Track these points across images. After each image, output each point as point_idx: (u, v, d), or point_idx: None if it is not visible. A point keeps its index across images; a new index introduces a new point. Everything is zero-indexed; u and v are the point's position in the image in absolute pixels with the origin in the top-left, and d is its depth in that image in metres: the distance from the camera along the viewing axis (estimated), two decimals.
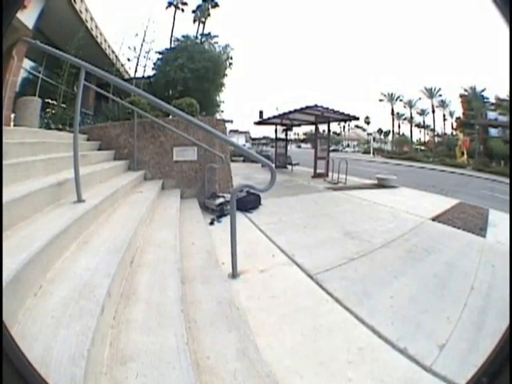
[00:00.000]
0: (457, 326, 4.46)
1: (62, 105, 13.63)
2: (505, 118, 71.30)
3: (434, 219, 10.85)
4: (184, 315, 3.22)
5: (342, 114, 20.88)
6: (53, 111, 13.27)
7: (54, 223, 3.56)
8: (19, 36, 10.50)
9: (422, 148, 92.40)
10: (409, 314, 4.63)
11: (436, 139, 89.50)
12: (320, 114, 20.06)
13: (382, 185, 18.49)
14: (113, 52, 22.50)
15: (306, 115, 21.05)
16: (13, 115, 9.54)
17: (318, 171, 20.48)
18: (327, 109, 19.35)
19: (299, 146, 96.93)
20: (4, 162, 4.33)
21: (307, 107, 18.73)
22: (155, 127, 9.84)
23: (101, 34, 20.50)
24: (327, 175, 20.30)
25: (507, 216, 13.87)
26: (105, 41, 21.14)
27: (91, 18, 18.61)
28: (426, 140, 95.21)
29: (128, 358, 2.48)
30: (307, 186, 16.35)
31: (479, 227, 10.59)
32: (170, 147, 10.03)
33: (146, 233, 5.31)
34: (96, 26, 19.47)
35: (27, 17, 10.86)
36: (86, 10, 17.97)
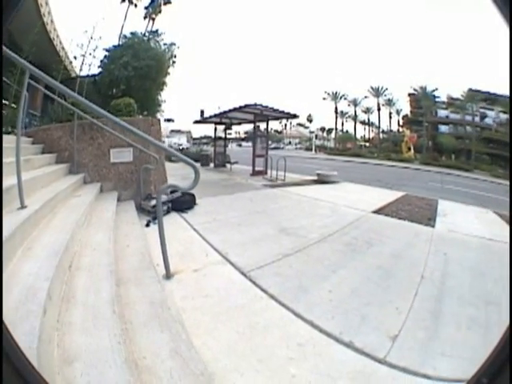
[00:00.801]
0: (409, 316, 4.56)
1: (13, 105, 13.14)
2: (457, 116, 74.66)
3: (376, 212, 11.14)
4: (119, 316, 3.36)
5: (282, 112, 21.17)
6: (4, 112, 12.81)
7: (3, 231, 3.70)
8: None
9: (367, 144, 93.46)
10: (351, 308, 4.70)
11: (381, 136, 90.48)
12: (259, 113, 20.33)
13: (322, 181, 18.76)
14: (63, 49, 22.05)
15: (246, 114, 21.13)
16: None
17: (257, 169, 20.74)
18: (266, 107, 19.57)
19: (240, 145, 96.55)
20: None
21: (246, 106, 18.91)
22: (94, 128, 9.70)
23: (54, 29, 20.09)
24: (266, 173, 20.62)
25: (458, 205, 14.63)
26: (57, 36, 20.72)
27: (49, 12, 18.25)
28: (371, 137, 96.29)
29: (73, 358, 2.61)
30: (244, 184, 16.49)
31: (427, 217, 10.95)
32: (108, 149, 9.92)
33: (84, 236, 5.34)
34: (51, 21, 19.09)
35: None
36: (46, 3, 17.65)
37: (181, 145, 53.86)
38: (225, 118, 24.88)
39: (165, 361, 2.98)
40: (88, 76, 21.05)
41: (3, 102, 12.88)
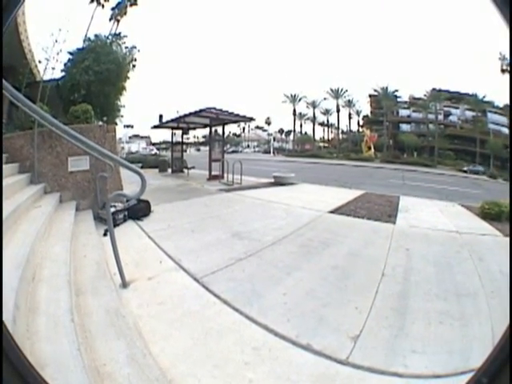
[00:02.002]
0: (370, 315, 4.66)
1: None
2: (420, 115, 76.88)
3: (333, 212, 11.30)
4: (78, 325, 3.50)
5: (238, 115, 21.30)
6: None
7: None
8: None
9: (326, 145, 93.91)
10: (307, 309, 4.80)
11: (341, 136, 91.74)
12: (215, 117, 20.44)
13: (279, 183, 19.13)
14: (30, 51, 21.72)
15: (202, 118, 21.29)
16: None
17: (214, 173, 20.93)
18: (222, 111, 19.74)
19: (198, 149, 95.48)
20: None
21: (201, 110, 18.98)
22: (53, 137, 9.53)
23: (25, 30, 19.77)
24: (223, 177, 20.76)
25: (420, 200, 14.90)
26: (27, 38, 20.40)
27: (23, 13, 18.03)
28: (330, 137, 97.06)
29: (43, 364, 2.70)
30: (200, 190, 16.60)
31: (388, 214, 11.24)
32: (66, 157, 9.82)
33: (44, 248, 5.37)
34: (24, 21, 18.87)
35: None
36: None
37: (152, 150, 53.48)
38: (182, 123, 24.92)
39: (123, 367, 3.11)
40: (52, 80, 20.68)
41: None
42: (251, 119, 23.78)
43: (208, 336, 4.08)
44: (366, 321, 4.51)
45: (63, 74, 22.53)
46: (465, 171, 57.06)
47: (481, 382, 1.33)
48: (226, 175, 20.86)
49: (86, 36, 25.82)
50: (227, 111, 20.29)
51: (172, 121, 24.66)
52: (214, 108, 19.24)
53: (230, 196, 14.81)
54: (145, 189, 4.76)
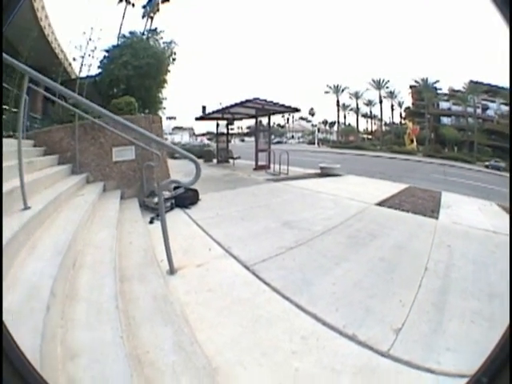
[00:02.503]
0: (412, 309, 4.51)
1: (14, 109, 12.89)
2: (459, 108, 73.94)
3: (379, 204, 11.05)
4: (121, 311, 3.38)
5: (283, 106, 21.06)
6: (4, 117, 12.65)
7: (4, 233, 3.71)
8: None
9: (369, 137, 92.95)
10: (354, 300, 4.68)
11: (384, 128, 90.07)
12: (260, 107, 20.24)
13: (325, 174, 18.72)
14: (62, 51, 21.93)
15: (247, 109, 21.08)
16: None
17: (260, 163, 20.71)
18: (268, 101, 19.50)
19: (243, 140, 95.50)
20: None
21: (247, 101, 18.78)
22: (96, 128, 9.76)
23: (52, 32, 19.97)
24: (269, 167, 20.49)
25: (462, 198, 14.47)
26: (55, 39, 20.61)
27: (46, 16, 18.21)
28: (373, 129, 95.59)
29: (76, 353, 2.61)
30: (247, 179, 16.39)
31: (431, 209, 10.85)
32: (110, 148, 9.99)
33: (87, 235, 5.35)
34: (49, 24, 19.04)
35: None
36: (43, 7, 17.57)
37: (203, 141, 53.69)
38: (227, 114, 24.67)
39: (168, 355, 2.98)
40: (88, 77, 20.85)
41: (3, 106, 12.78)
42: (296, 110, 23.16)
43: (257, 324, 3.99)
44: (408, 314, 4.40)
45: (99, 70, 22.85)
46: (487, 166, 55.29)
47: (481, 381, 1.32)
48: (272, 165, 20.44)
49: (119, 33, 26.00)
50: (273, 102, 19.76)
51: (217, 112, 24.24)
52: (260, 98, 18.91)
53: (278, 186, 14.65)
54: (199, 177, 4.72)
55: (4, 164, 5.43)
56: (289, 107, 21.90)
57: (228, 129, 27.96)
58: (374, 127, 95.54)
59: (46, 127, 11.00)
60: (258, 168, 20.51)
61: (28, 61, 12.89)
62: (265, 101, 19.38)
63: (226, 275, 5.35)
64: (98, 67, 22.85)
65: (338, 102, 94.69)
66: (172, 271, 5.24)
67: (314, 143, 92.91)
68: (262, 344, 3.58)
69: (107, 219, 6.48)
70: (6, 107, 13.08)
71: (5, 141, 8.26)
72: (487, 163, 57.65)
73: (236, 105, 20.07)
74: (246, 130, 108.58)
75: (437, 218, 9.84)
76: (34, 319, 2.56)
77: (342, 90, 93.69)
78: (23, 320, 2.53)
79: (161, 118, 11.47)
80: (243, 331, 3.81)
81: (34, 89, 7.64)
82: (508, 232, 8.83)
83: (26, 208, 4.61)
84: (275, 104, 20.24)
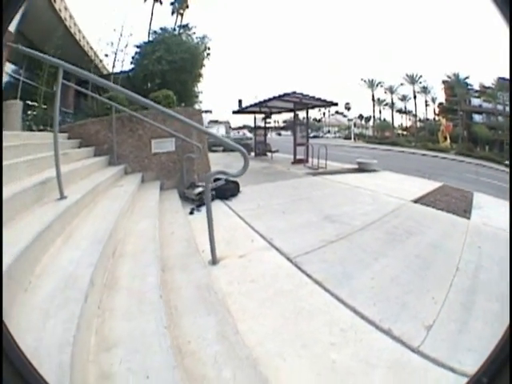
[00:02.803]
0: (443, 307, 4.48)
1: (43, 106, 13.46)
2: (489, 105, 72.07)
3: (415, 201, 10.92)
4: (164, 301, 3.28)
5: (320, 100, 20.91)
6: (34, 112, 13.03)
7: (39, 221, 3.62)
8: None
9: (404, 133, 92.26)
10: (391, 295, 4.67)
11: (418, 124, 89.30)
12: (298, 101, 20.03)
13: (362, 169, 18.52)
14: (91, 48, 22.20)
15: (285, 102, 20.93)
16: None
17: (298, 157, 20.57)
18: (305, 95, 19.31)
19: (279, 134, 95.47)
20: None
21: (285, 94, 18.69)
22: (133, 121, 9.88)
23: (79, 31, 20.23)
24: (307, 161, 20.28)
25: (492, 199, 14.15)
26: (83, 38, 20.91)
27: (70, 16, 18.44)
28: (408, 125, 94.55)
29: (112, 344, 2.53)
30: (286, 172, 16.35)
31: (463, 209, 10.68)
32: (148, 140, 10.08)
33: (127, 225, 5.35)
34: (74, 24, 19.28)
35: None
36: (65, 8, 17.79)
37: (245, 134, 53.95)
38: (264, 107, 24.66)
39: (210, 345, 2.96)
40: (121, 72, 21.13)
41: (31, 103, 13.28)
42: (334, 104, 22.91)
43: (299, 316, 3.99)
44: (439, 312, 4.39)
45: (132, 66, 23.25)
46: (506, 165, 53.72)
47: (481, 381, 1.31)
48: (310, 159, 20.23)
49: (149, 30, 26.27)
50: (310, 96, 19.64)
51: (254, 105, 24.21)
52: (297, 92, 18.83)
53: (317, 180, 14.47)
54: (247, 168, 4.77)
55: (38, 155, 5.80)
56: (326, 101, 21.70)
57: (265, 122, 27.94)
58: (409, 123, 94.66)
59: (79, 121, 11.19)
60: (296, 162, 20.43)
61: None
62: (302, 94, 19.24)
63: (268, 266, 5.34)
64: (131, 63, 23.28)
65: (373, 96, 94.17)
66: (214, 261, 5.22)
67: (350, 138, 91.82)
68: (302, 336, 3.58)
69: (148, 209, 6.48)
70: (36, 104, 13.47)
71: (37, 134, 8.70)
72: (507, 161, 56.35)
73: (274, 98, 20.04)
74: (282, 124, 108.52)
75: (469, 218, 9.75)
76: (69, 308, 2.49)
77: (377, 85, 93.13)
78: (56, 309, 2.48)
79: (200, 111, 11.48)
80: (285, 323, 3.82)
81: (65, 85, 7.63)
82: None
83: (62, 198, 4.61)
84: (312, 98, 20.12)
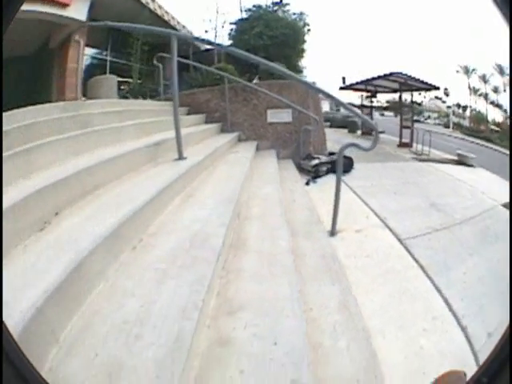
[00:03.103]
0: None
1: (138, 81, 14.37)
2: None
3: (504, 206, 10.19)
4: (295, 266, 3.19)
5: (423, 82, 20.35)
6: (130, 87, 14.01)
7: (157, 179, 3.73)
8: (69, 32, 11.32)
9: (497, 129, 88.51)
10: (477, 293, 4.63)
11: (509, 121, 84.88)
12: (403, 82, 19.68)
13: (461, 161, 17.84)
14: (184, 27, 22.72)
15: (390, 82, 20.63)
16: (83, 98, 9.81)
17: (403, 141, 20.07)
18: (409, 76, 18.98)
19: (382, 114, 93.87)
20: (88, 129, 4.69)
21: (390, 74, 18.53)
22: (247, 91, 10.00)
23: (167, 12, 20.64)
24: (411, 146, 19.75)
25: None
26: (173, 18, 21.27)
27: (153, 0, 18.82)
28: (500, 121, 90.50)
29: (237, 307, 2.41)
30: (393, 155, 16.18)
31: None
32: (264, 110, 10.07)
33: (250, 189, 5.29)
34: (159, 6, 19.63)
35: (75, 12, 11.26)
36: None
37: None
38: (369, 86, 24.43)
39: (331, 314, 2.93)
40: (213, 49, 21.48)
41: (121, 79, 13.83)
42: (436, 88, 22.70)
43: (403, 297, 4.06)
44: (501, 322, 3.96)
45: (230, 42, 23.52)
46: None
47: (481, 381, 1.25)
48: (414, 144, 19.73)
49: (241, 8, 26.44)
50: (415, 77, 19.37)
51: (360, 83, 23.90)
52: (402, 73, 18.69)
53: (422, 166, 14.21)
54: (377, 143, 4.79)
55: (143, 120, 6.37)
56: (430, 84, 21.23)
57: (371, 101, 27.57)
58: (501, 118, 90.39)
59: (183, 91, 11.33)
60: (401, 145, 19.91)
61: (148, 39, 14.17)
62: (406, 75, 19.02)
63: (381, 244, 5.39)
64: (229, 39, 23.84)
65: (468, 84, 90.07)
66: (333, 233, 5.21)
67: (448, 126, 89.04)
68: (402, 317, 3.64)
69: (268, 176, 6.49)
70: (130, 80, 14.46)
71: (137, 101, 9.46)
72: None
73: (379, 77, 20.01)
74: (385, 104, 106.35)
75: None
76: (197, 269, 2.49)
77: (472, 71, 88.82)
78: (179, 270, 2.49)
79: (315, 84, 11.40)
80: (391, 301, 3.90)
81: (168, 58, 7.83)
82: None
83: (181, 158, 4.74)
84: (417, 80, 19.81)
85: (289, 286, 2.69)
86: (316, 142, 10.56)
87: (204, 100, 10.16)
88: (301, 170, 9.13)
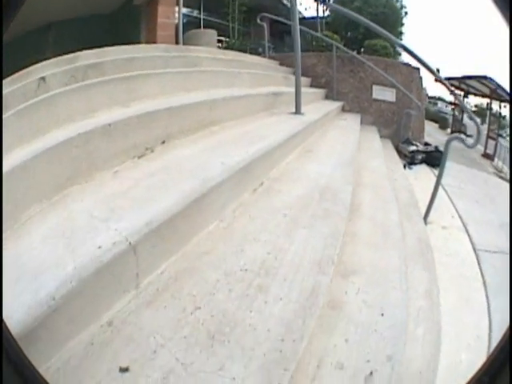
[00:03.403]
0: None
1: (233, 40, 14.46)
2: None
3: None
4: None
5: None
6: (229, 44, 14.15)
7: (280, 126, 3.77)
8: None
9: None
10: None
11: None
12: (494, 89, 18.72)
13: None
14: None
15: (482, 85, 19.61)
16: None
17: (487, 151, 18.83)
18: (500, 86, 17.71)
19: (470, 118, 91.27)
20: (197, 68, 4.77)
21: (484, 77, 17.62)
22: (354, 63, 9.71)
23: None
24: (493, 159, 18.39)
25: None
26: None
27: None
28: None
29: (351, 271, 2.33)
30: (478, 163, 15.38)
31: None
32: (370, 84, 9.90)
33: (359, 159, 5.08)
34: None
35: None
36: None
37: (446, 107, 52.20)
38: (463, 84, 22.62)
39: (418, 299, 2.82)
40: (318, 17, 21.15)
41: (219, 38, 13.90)
42: None
43: (463, 307, 3.88)
44: None
45: (327, 13, 22.69)
46: None
47: (482, 381, 1.23)
48: (495, 159, 18.36)
49: None
50: (503, 88, 17.66)
51: (453, 78, 20.88)
52: (493, 79, 17.33)
53: (501, 184, 12.69)
54: (480, 139, 4.81)
55: (256, 71, 6.33)
56: None
57: (464, 101, 25.50)
58: None
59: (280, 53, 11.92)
60: (485, 155, 18.62)
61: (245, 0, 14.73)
62: (497, 83, 17.71)
63: (460, 249, 5.17)
64: (326, 10, 22.35)
65: None
66: (425, 222, 5.02)
67: None
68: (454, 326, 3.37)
69: (374, 150, 6.31)
70: (222, 39, 14.48)
71: (249, 55, 9.35)
72: None
73: (471, 77, 19.18)
74: (473, 108, 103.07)
75: None
76: (329, 222, 2.45)
77: None
78: (310, 220, 2.43)
79: (419, 70, 11.14)
80: (451, 307, 3.66)
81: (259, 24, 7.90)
82: None
83: (299, 113, 4.71)
84: (505, 91, 18.04)
85: (398, 259, 2.65)
86: (415, 129, 10.48)
87: (310, 64, 9.94)
88: (398, 152, 9.04)
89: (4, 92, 2.92)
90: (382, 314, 2.00)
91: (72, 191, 2.02)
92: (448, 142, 5.31)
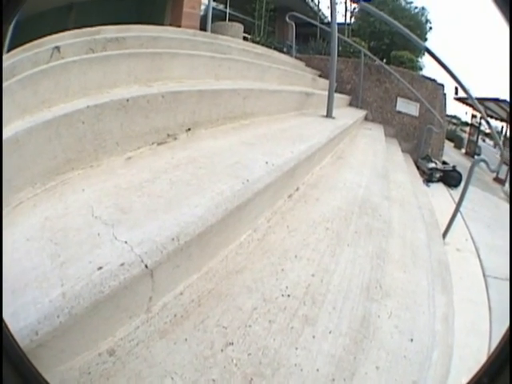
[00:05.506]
0: None
1: (257, 38, 14.40)
2: None
3: None
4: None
5: None
6: (255, 40, 13.98)
7: (317, 129, 3.64)
8: None
9: None
10: None
11: None
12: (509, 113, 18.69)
13: None
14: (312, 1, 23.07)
15: (499, 109, 20.03)
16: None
17: (499, 176, 18.14)
18: None
19: (484, 140, 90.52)
20: (228, 56, 4.62)
21: (503, 100, 17.88)
22: (381, 72, 9.81)
23: None
24: (504, 184, 18.18)
25: None
26: None
27: None
28: None
29: (384, 293, 2.07)
30: (491, 187, 15.29)
31: None
32: (395, 96, 9.85)
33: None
34: None
35: None
36: None
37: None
38: (482, 105, 22.79)
39: (436, 322, 2.48)
40: (344, 23, 21.14)
41: (248, 36, 14.23)
42: None
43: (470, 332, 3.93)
44: None
45: (353, 20, 23.29)
46: None
47: (482, 381, 1.07)
48: (506, 184, 18.22)
49: None
50: None
51: (469, 98, 22.21)
52: (508, 102, 17.67)
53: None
54: (500, 167, 4.71)
55: (288, 69, 6.23)
56: None
57: (480, 123, 25.28)
58: None
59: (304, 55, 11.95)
60: (497, 179, 18.14)
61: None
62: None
63: (472, 271, 5.37)
64: (352, 17, 23.18)
65: None
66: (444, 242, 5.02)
67: None
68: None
69: (398, 164, 6.19)
70: (249, 36, 14.46)
71: (277, 52, 9.12)
72: None
73: (489, 99, 19.28)
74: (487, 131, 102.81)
75: None
76: (374, 240, 2.37)
77: None
78: (354, 234, 2.30)
79: (443, 87, 11.04)
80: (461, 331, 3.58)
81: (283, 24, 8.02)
82: None
83: (330, 116, 4.68)
84: None
85: (426, 281, 2.52)
86: (435, 146, 10.50)
87: (337, 69, 9.32)
88: (417, 168, 9.06)
89: (12, 60, 2.78)
90: (412, 340, 1.82)
91: (72, 177, 1.78)
92: (473, 166, 5.22)
